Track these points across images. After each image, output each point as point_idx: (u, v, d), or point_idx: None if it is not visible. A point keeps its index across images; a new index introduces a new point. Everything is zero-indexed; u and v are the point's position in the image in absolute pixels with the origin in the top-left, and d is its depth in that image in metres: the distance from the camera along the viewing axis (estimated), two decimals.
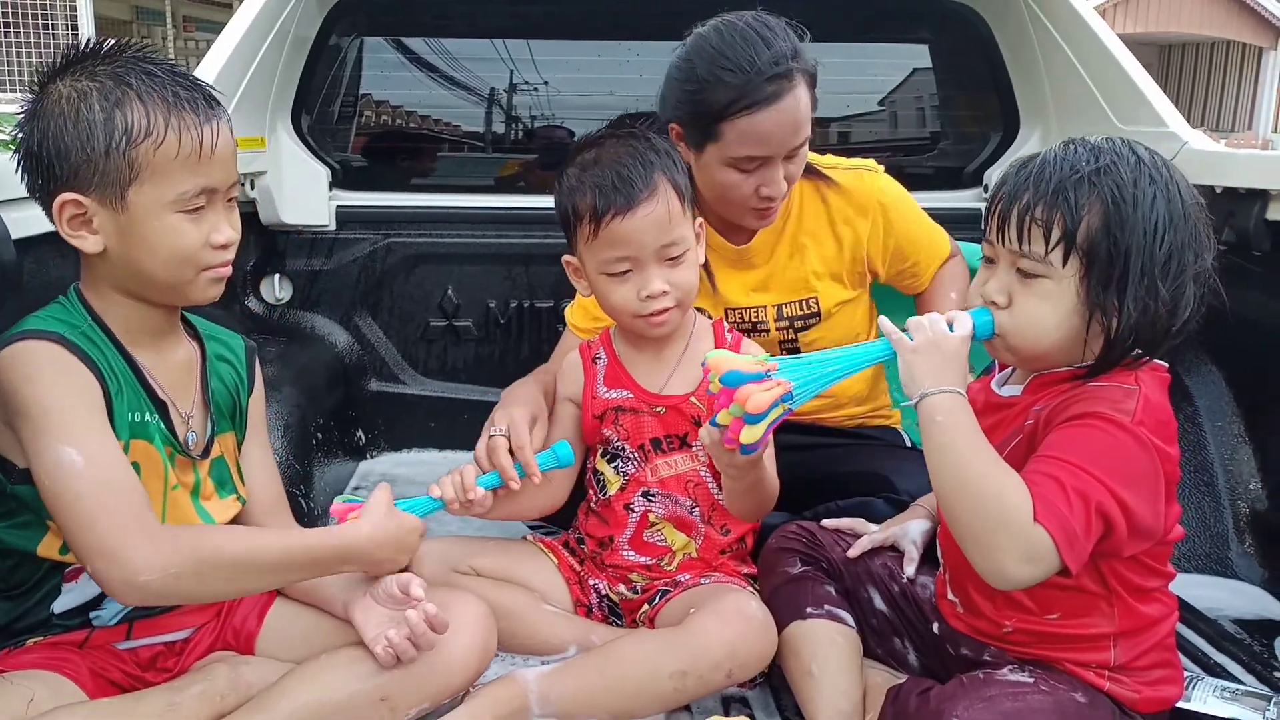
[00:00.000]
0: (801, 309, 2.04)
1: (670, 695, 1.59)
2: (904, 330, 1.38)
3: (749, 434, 1.41)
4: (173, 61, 1.43)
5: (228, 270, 1.44)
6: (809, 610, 1.62)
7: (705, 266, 1.87)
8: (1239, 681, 1.70)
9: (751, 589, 1.75)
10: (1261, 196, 2.10)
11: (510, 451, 1.71)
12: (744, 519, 1.81)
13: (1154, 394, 1.33)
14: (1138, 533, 1.28)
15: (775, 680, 1.68)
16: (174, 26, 15.36)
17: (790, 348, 2.07)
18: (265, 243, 2.78)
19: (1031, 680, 1.36)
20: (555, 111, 2.94)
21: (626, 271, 1.69)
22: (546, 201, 1.82)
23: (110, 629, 1.47)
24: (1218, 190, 2.18)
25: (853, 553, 1.69)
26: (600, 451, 1.85)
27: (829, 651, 1.58)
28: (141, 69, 1.35)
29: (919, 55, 2.99)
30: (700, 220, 1.78)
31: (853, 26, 2.89)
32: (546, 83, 2.91)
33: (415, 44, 2.92)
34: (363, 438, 2.84)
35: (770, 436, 1.51)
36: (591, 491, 1.88)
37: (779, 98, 1.77)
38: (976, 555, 1.26)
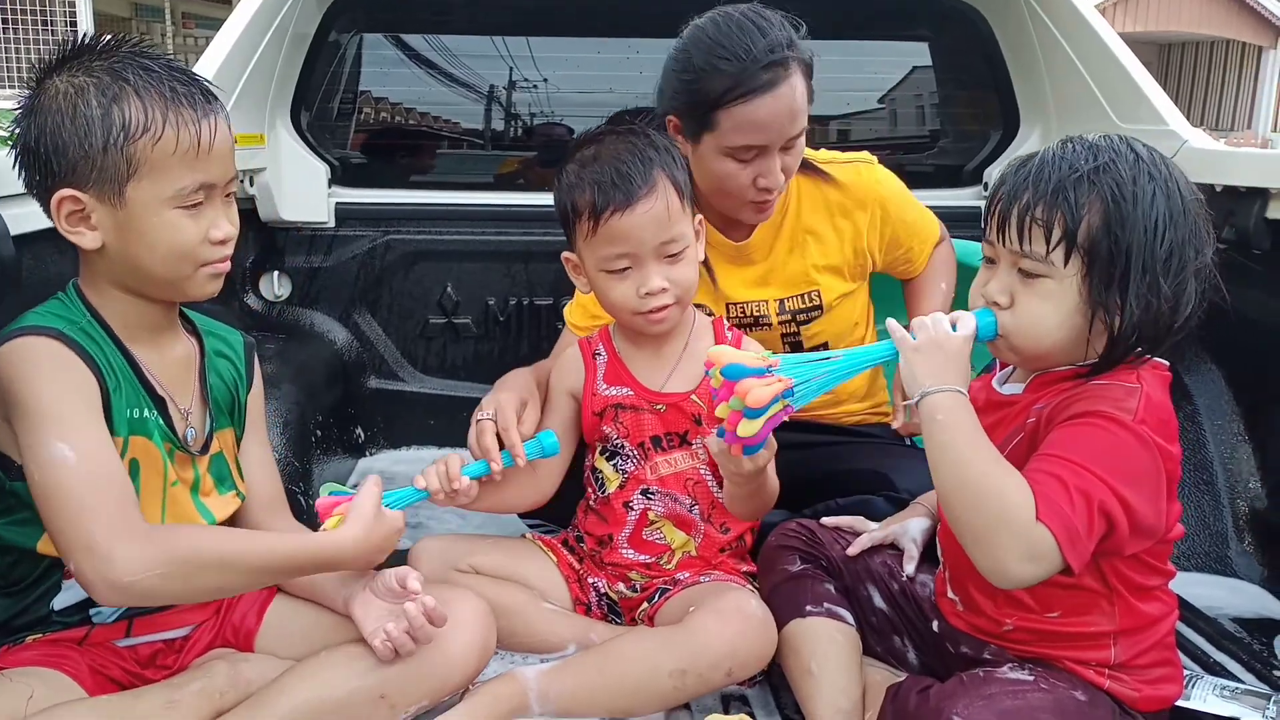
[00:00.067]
0: (804, 302, 2.05)
1: (670, 693, 1.59)
2: (908, 329, 1.38)
3: (746, 427, 1.41)
4: (170, 57, 1.42)
5: (226, 266, 1.44)
6: (808, 608, 1.62)
7: (705, 263, 1.86)
8: (1239, 680, 1.70)
9: (751, 587, 1.75)
10: (1261, 195, 2.10)
11: (499, 437, 1.71)
12: (744, 519, 1.81)
13: (1156, 392, 1.33)
14: (1139, 531, 1.28)
15: (775, 678, 1.68)
16: (173, 23, 15.37)
17: (792, 341, 2.07)
18: (264, 239, 2.78)
19: (1031, 678, 1.35)
20: (555, 108, 2.94)
21: (626, 269, 1.69)
22: (546, 199, 1.82)
23: (109, 626, 1.47)
24: (1218, 189, 2.17)
25: (852, 551, 1.69)
26: (599, 449, 1.84)
27: (828, 649, 1.57)
28: (139, 64, 1.35)
29: (919, 53, 2.99)
30: (700, 217, 1.78)
31: (853, 24, 2.88)
32: (546, 80, 2.91)
33: (414, 41, 2.92)
34: (362, 435, 2.84)
35: (773, 441, 1.50)
36: (590, 489, 1.88)
37: (775, 86, 1.77)
38: (978, 554, 1.26)
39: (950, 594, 1.54)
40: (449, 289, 2.83)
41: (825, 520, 1.78)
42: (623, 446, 1.81)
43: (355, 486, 1.54)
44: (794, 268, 2.04)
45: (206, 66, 2.37)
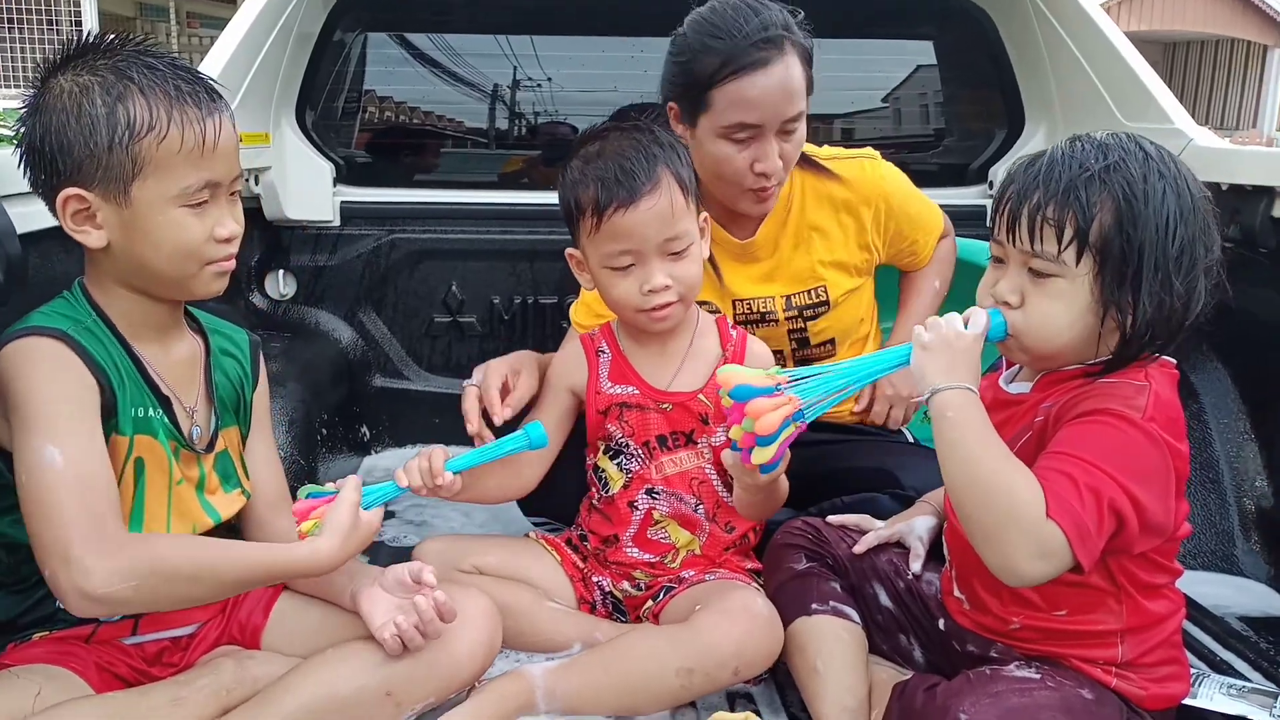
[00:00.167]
0: (810, 298, 2.05)
1: (676, 692, 1.59)
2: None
3: (760, 455, 1.42)
4: (174, 55, 1.42)
5: (231, 264, 1.44)
6: (814, 606, 1.62)
7: (711, 260, 1.86)
8: (1245, 679, 1.70)
9: (756, 585, 1.75)
10: (1267, 193, 2.10)
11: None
12: (753, 520, 1.81)
13: (1164, 390, 1.33)
14: (1149, 529, 1.28)
15: (780, 676, 1.68)
16: (178, 23, 15.40)
17: (799, 337, 2.07)
18: (270, 238, 2.78)
19: (1038, 676, 1.35)
20: (559, 107, 2.94)
21: (629, 266, 1.68)
22: (550, 197, 1.82)
23: (116, 624, 1.47)
24: (1224, 187, 2.17)
25: (858, 549, 1.69)
26: (602, 448, 1.84)
27: (834, 648, 1.57)
28: (143, 63, 1.35)
29: (924, 52, 2.99)
30: (705, 215, 1.77)
31: (858, 23, 2.88)
32: (550, 78, 2.91)
33: (419, 40, 2.92)
34: (367, 433, 2.84)
35: (788, 454, 1.50)
36: (594, 488, 1.87)
37: (767, 64, 1.78)
38: (988, 552, 1.26)
39: (956, 592, 1.54)
40: (454, 288, 2.83)
41: (831, 518, 1.78)
42: (627, 445, 1.80)
43: (336, 483, 1.53)
44: (800, 264, 2.04)
45: (211, 65, 2.37)
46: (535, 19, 2.86)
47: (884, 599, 1.65)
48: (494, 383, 1.80)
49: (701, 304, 1.92)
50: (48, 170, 1.34)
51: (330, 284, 2.82)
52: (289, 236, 2.79)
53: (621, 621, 1.82)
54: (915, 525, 1.69)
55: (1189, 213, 1.30)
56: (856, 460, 2.00)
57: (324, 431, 2.49)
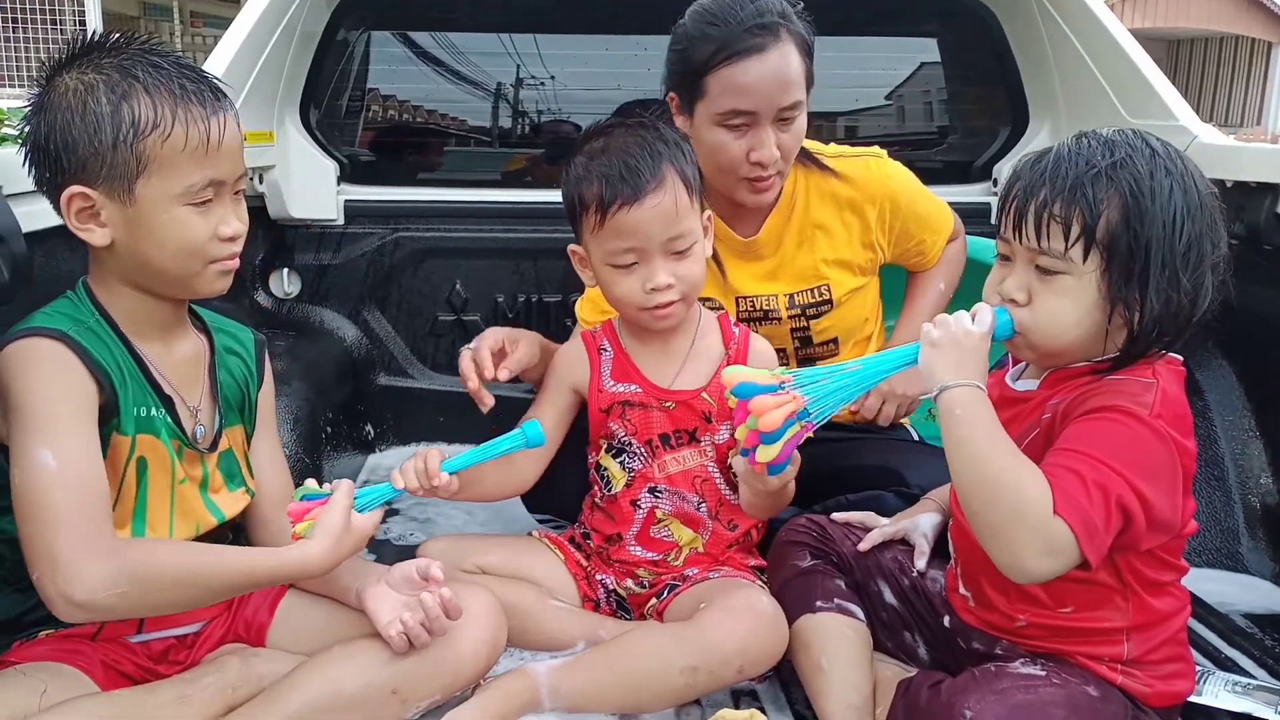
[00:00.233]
0: (813, 297, 2.04)
1: (681, 690, 1.59)
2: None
3: (765, 453, 1.41)
4: (179, 54, 1.42)
5: (235, 263, 1.44)
6: (819, 604, 1.62)
7: (714, 257, 1.86)
8: (1251, 676, 1.70)
9: (760, 582, 1.74)
10: (1272, 190, 2.09)
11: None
12: (757, 518, 1.81)
13: (1171, 387, 1.32)
14: (1156, 526, 1.28)
15: (785, 674, 1.68)
16: (181, 22, 15.41)
17: (802, 336, 2.07)
18: (274, 237, 2.79)
19: (1044, 673, 1.35)
20: (562, 106, 2.94)
21: (632, 264, 1.68)
22: (554, 195, 1.83)
23: (121, 621, 1.47)
24: (1228, 184, 2.17)
25: (863, 546, 1.69)
26: (604, 446, 1.84)
27: (839, 645, 1.57)
28: (148, 61, 1.35)
29: (927, 49, 2.99)
30: (709, 213, 1.77)
31: (862, 20, 2.88)
32: (553, 77, 2.91)
33: (422, 39, 2.92)
34: (371, 432, 2.85)
35: (798, 456, 1.49)
36: (596, 487, 1.87)
37: (762, 50, 1.78)
38: (995, 549, 1.26)
39: (962, 589, 1.54)
40: (458, 286, 2.84)
41: (836, 516, 1.78)
42: (630, 444, 1.80)
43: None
44: (803, 262, 2.03)
45: (215, 65, 2.37)
46: (538, 17, 2.86)
47: (889, 596, 1.65)
48: (487, 344, 1.82)
49: (704, 301, 1.92)
50: (52, 168, 1.35)
51: (334, 282, 2.82)
52: (293, 235, 2.80)
53: (626, 619, 1.82)
54: (920, 522, 1.68)
55: (1196, 209, 1.29)
56: (861, 458, 1.99)
57: (328, 430, 2.49)
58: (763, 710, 1.61)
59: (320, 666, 1.46)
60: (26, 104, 1.38)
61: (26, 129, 1.37)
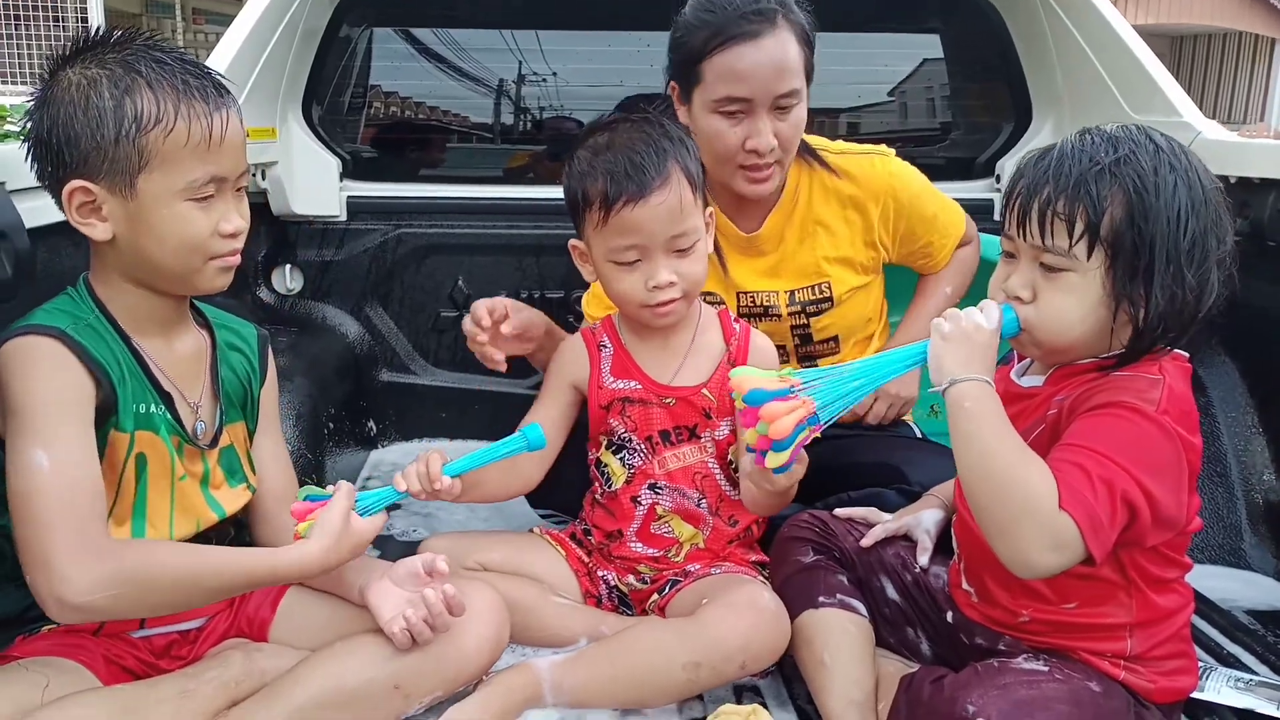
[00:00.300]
0: (814, 294, 2.04)
1: (683, 685, 1.59)
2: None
3: (774, 459, 1.41)
4: (182, 50, 1.42)
5: (236, 259, 1.44)
6: (821, 599, 1.62)
7: (716, 251, 1.86)
8: (1253, 672, 1.70)
9: (761, 578, 1.74)
10: (1276, 186, 2.09)
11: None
12: (760, 515, 1.81)
13: (1178, 384, 1.32)
14: (1161, 522, 1.28)
15: (787, 669, 1.68)
16: (183, 19, 15.38)
17: (802, 333, 2.07)
18: (276, 233, 2.79)
19: (1046, 669, 1.35)
20: (565, 102, 2.94)
21: (635, 260, 1.67)
22: (556, 192, 1.82)
23: None
24: (1232, 180, 2.16)
25: (866, 542, 1.69)
26: (604, 443, 1.84)
27: (841, 641, 1.57)
28: (151, 57, 1.35)
29: (930, 45, 2.98)
30: (711, 209, 1.77)
31: (864, 16, 2.87)
32: (556, 73, 2.90)
33: (425, 35, 2.92)
34: (374, 428, 2.85)
35: (805, 456, 1.49)
36: (596, 483, 1.87)
37: (758, 36, 1.78)
38: (1001, 544, 1.25)
39: (965, 585, 1.54)
40: (460, 282, 2.84)
41: (838, 511, 1.77)
42: (630, 440, 1.80)
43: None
44: (804, 258, 2.03)
45: (218, 61, 2.37)
46: (541, 14, 2.85)
47: (891, 592, 1.65)
48: (483, 304, 1.83)
49: (705, 295, 1.92)
50: (54, 162, 1.35)
51: (337, 279, 2.82)
52: (295, 231, 2.80)
53: (627, 615, 1.82)
54: (923, 518, 1.68)
55: (1200, 205, 1.29)
56: (863, 455, 1.99)
57: (331, 426, 2.49)
58: (765, 706, 1.61)
59: (323, 662, 1.46)
60: (29, 100, 1.38)
61: (29, 124, 1.37)
